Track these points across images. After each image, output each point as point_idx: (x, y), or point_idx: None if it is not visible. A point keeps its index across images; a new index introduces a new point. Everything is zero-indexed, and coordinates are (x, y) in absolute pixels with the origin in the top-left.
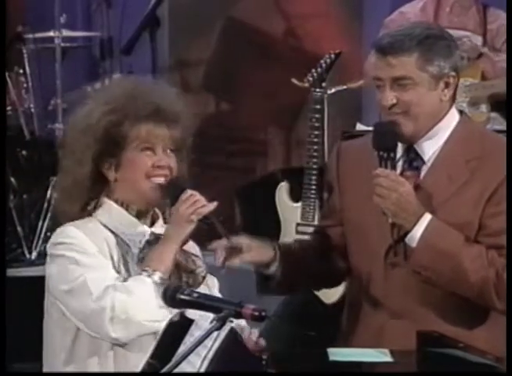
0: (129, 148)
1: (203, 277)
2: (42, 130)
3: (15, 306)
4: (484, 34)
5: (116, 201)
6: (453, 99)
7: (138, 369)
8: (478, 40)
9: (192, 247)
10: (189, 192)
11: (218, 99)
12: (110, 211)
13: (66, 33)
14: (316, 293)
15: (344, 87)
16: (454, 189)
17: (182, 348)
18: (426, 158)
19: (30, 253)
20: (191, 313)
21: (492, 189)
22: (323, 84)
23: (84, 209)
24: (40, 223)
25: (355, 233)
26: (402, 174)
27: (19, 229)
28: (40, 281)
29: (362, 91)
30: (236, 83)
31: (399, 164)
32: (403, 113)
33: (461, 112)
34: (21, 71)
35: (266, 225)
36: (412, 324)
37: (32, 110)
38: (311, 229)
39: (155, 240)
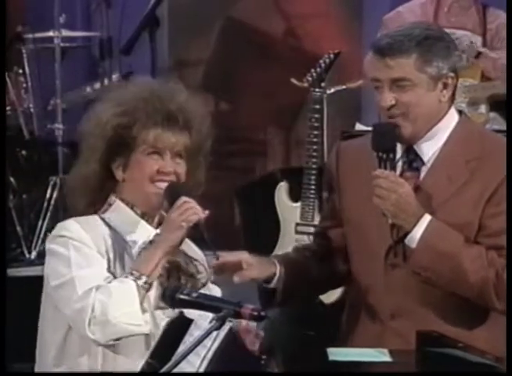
0: (137, 150)
1: (204, 284)
2: (42, 130)
3: (14, 306)
4: (483, 34)
5: (122, 201)
6: (452, 99)
7: (126, 369)
8: (478, 40)
9: (197, 253)
10: (183, 199)
11: (217, 99)
12: (117, 209)
13: (65, 33)
14: None
15: (344, 87)
16: (454, 189)
17: (182, 348)
18: (425, 159)
19: (30, 253)
20: (190, 313)
21: (491, 189)
22: (322, 84)
23: (91, 207)
24: (39, 223)
25: (355, 233)
26: (401, 175)
27: (18, 228)
28: (39, 281)
29: (362, 91)
30: (235, 83)
31: (399, 165)
32: (402, 115)
33: (460, 112)
34: (20, 71)
35: (265, 225)
36: (412, 324)
37: (31, 110)
38: (310, 229)
39: None
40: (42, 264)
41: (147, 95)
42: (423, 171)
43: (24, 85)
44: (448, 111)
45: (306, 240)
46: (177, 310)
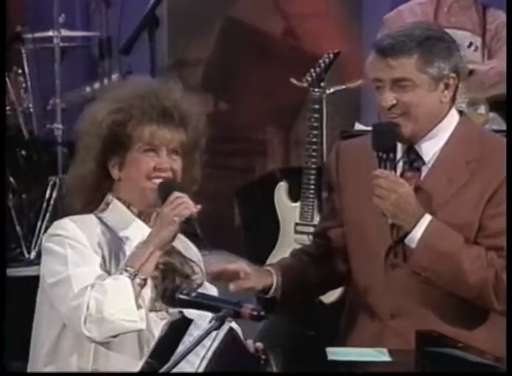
0: (133, 148)
1: (199, 285)
2: (41, 130)
3: (14, 306)
4: (483, 34)
5: (119, 200)
6: (453, 99)
7: (118, 369)
8: (478, 40)
9: (194, 254)
10: (176, 194)
11: (216, 98)
12: (113, 208)
13: (65, 33)
14: None
15: (343, 87)
16: (454, 190)
17: (181, 348)
18: (426, 159)
19: (29, 252)
20: (190, 313)
21: (491, 190)
22: (322, 84)
23: (88, 206)
24: (39, 223)
25: (355, 233)
26: (402, 175)
27: (18, 228)
28: (39, 281)
29: (361, 91)
30: (234, 83)
31: (400, 165)
32: (403, 115)
33: (461, 112)
34: (20, 71)
35: (265, 224)
36: (412, 324)
37: (31, 109)
38: (309, 229)
39: None
40: None
41: (142, 93)
42: (424, 171)
43: (24, 85)
44: (449, 111)
45: (306, 239)
46: (175, 310)
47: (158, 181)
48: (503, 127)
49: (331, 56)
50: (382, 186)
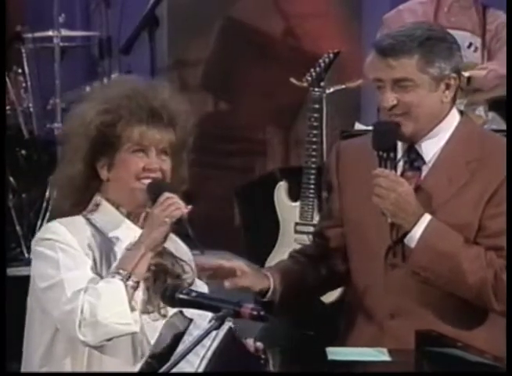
0: (122, 149)
1: (190, 284)
2: (41, 129)
3: (14, 305)
4: (483, 34)
5: (108, 200)
6: (454, 100)
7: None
8: (477, 41)
9: (184, 253)
10: (166, 195)
11: (216, 98)
12: (102, 209)
13: (64, 32)
14: None
15: (343, 86)
16: (454, 190)
17: (181, 348)
18: (427, 159)
19: (29, 252)
20: (189, 313)
21: (491, 190)
22: (322, 84)
23: (76, 207)
24: (39, 222)
25: (355, 233)
26: (403, 174)
27: (18, 228)
28: None
29: (361, 90)
30: (234, 83)
31: (400, 165)
32: (403, 115)
33: (462, 112)
34: (20, 71)
35: (265, 224)
36: (412, 324)
37: (31, 109)
38: (309, 229)
39: None
40: None
41: (129, 93)
42: (425, 170)
43: (24, 85)
44: (450, 111)
45: (306, 239)
46: (167, 311)
47: (147, 181)
48: (502, 126)
49: (331, 55)
50: (382, 185)
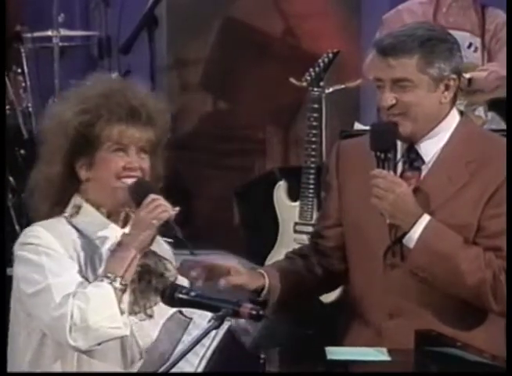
0: (102, 148)
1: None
2: None
3: None
4: (482, 35)
5: (87, 201)
6: (454, 100)
7: None
8: (477, 41)
9: (166, 251)
10: (152, 196)
11: (216, 98)
12: (83, 211)
13: (64, 32)
14: None
15: (342, 86)
16: (454, 190)
17: (181, 347)
18: (426, 159)
19: None
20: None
21: (491, 191)
22: (321, 84)
23: (55, 208)
24: None
25: (354, 233)
26: (402, 174)
27: (17, 228)
28: None
29: (360, 90)
30: (234, 82)
31: (399, 165)
32: (402, 114)
33: (462, 113)
34: (19, 70)
35: (264, 224)
36: (411, 324)
37: (30, 109)
38: (309, 229)
39: None
40: None
41: (108, 92)
42: (424, 170)
43: (23, 85)
44: (450, 112)
45: (305, 239)
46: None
47: (128, 180)
48: (501, 126)
49: (330, 55)
50: (380, 186)
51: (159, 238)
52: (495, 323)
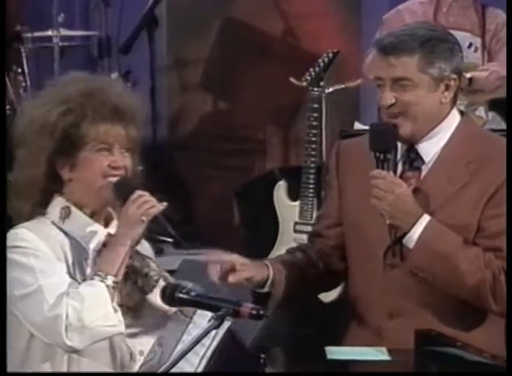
0: (85, 148)
1: (156, 281)
2: None
3: None
4: (482, 35)
5: (69, 201)
6: (454, 100)
7: None
8: (477, 41)
9: (148, 249)
10: (138, 192)
11: (216, 98)
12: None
13: (64, 32)
14: None
15: (342, 86)
16: (454, 190)
17: (181, 347)
18: (426, 159)
19: None
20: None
21: (491, 191)
22: (321, 83)
23: (36, 208)
24: None
25: (354, 233)
26: (402, 174)
27: None
28: None
29: (360, 90)
30: (234, 82)
31: (399, 165)
32: (401, 114)
33: (462, 113)
34: (19, 70)
35: (264, 224)
36: (410, 324)
37: None
38: (309, 228)
39: None
40: None
41: (90, 91)
42: (424, 171)
43: (23, 84)
44: (450, 112)
45: (305, 239)
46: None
47: (113, 179)
48: (501, 126)
49: (330, 55)
50: (379, 186)
51: None
52: (495, 323)
